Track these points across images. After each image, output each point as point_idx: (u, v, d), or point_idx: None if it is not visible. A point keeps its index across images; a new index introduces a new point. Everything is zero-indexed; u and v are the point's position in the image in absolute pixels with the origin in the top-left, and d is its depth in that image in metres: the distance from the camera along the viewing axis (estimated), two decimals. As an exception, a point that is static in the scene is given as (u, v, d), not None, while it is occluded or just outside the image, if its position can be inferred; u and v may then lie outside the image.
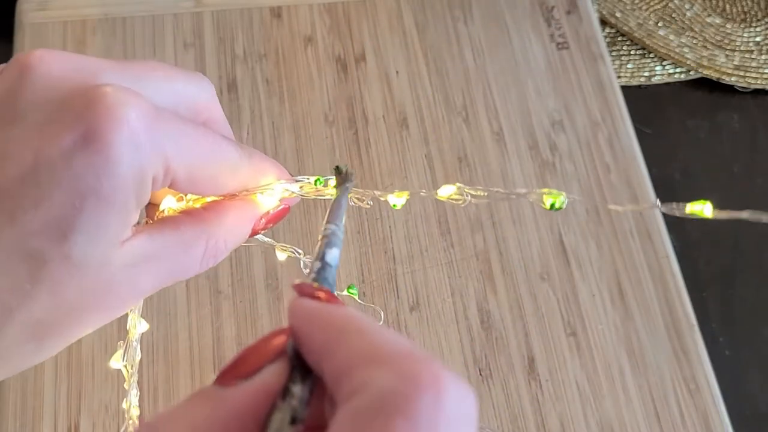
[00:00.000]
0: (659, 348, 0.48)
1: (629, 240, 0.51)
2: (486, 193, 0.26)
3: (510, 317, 0.48)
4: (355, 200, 0.28)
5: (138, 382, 0.45)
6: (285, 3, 0.59)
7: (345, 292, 0.32)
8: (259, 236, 0.30)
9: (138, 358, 0.30)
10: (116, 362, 0.29)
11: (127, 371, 0.29)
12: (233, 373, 0.19)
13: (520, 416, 0.46)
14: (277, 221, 0.29)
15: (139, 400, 0.45)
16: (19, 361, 0.23)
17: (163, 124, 0.23)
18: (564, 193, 0.26)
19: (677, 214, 0.24)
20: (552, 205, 0.26)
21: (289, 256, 0.30)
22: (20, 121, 0.22)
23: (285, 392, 0.19)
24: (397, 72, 0.57)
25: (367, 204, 0.28)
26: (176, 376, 0.45)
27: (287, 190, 0.28)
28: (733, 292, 0.55)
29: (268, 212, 0.28)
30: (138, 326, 0.30)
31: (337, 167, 0.26)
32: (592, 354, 0.48)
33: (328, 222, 0.24)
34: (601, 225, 0.52)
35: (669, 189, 0.57)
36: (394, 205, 0.28)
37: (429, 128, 0.55)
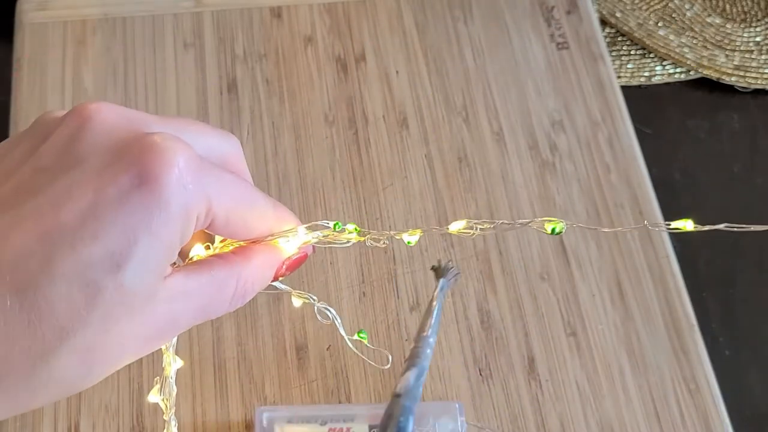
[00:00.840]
0: (659, 348, 0.48)
1: (629, 240, 0.51)
2: (493, 225, 0.27)
3: (510, 317, 0.48)
4: (372, 241, 0.29)
5: (137, 382, 0.45)
6: (285, 3, 0.59)
7: (355, 336, 0.33)
8: (276, 283, 0.32)
9: (174, 392, 0.31)
10: (154, 396, 0.31)
11: (166, 404, 0.30)
12: None
13: (520, 416, 0.46)
14: (296, 268, 0.31)
15: (140, 400, 0.45)
16: (69, 385, 0.25)
17: (206, 170, 0.26)
18: (563, 221, 0.27)
19: (664, 230, 0.25)
20: (553, 230, 0.27)
21: (305, 302, 0.31)
22: (81, 165, 0.24)
23: None
24: (397, 72, 0.57)
25: (384, 244, 0.29)
26: (176, 376, 0.45)
27: (309, 233, 0.29)
28: (733, 292, 0.55)
29: (289, 258, 0.30)
30: (173, 364, 0.31)
31: (436, 267, 0.26)
32: (592, 354, 0.48)
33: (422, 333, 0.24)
34: (601, 225, 0.52)
35: (669, 189, 0.57)
36: (408, 242, 0.30)
37: (429, 128, 0.55)
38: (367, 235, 0.29)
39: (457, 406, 0.43)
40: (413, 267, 0.50)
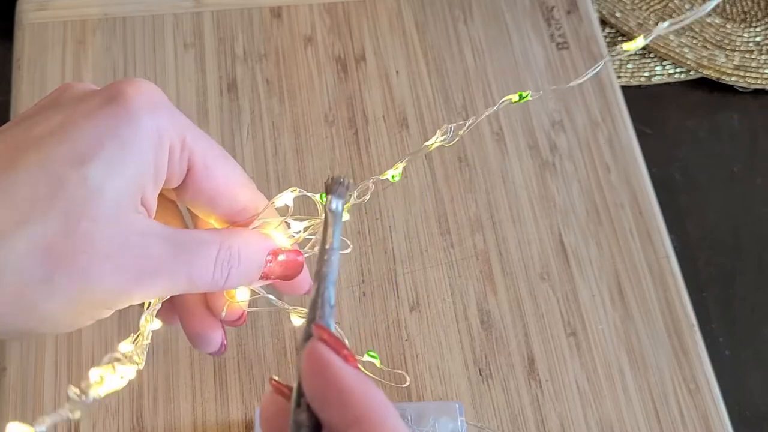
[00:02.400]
0: (659, 348, 0.48)
1: (629, 240, 0.51)
2: (467, 123, 0.27)
3: (510, 317, 0.48)
4: (358, 197, 0.29)
5: (138, 383, 0.45)
6: (285, 3, 0.59)
7: (366, 357, 0.32)
8: (273, 299, 0.31)
9: (146, 350, 0.29)
10: (125, 345, 0.29)
11: (137, 357, 0.29)
12: None
13: (520, 416, 0.46)
14: (291, 272, 0.30)
15: (140, 400, 0.45)
16: (30, 292, 0.23)
17: (183, 117, 0.27)
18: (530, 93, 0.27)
19: (621, 56, 0.26)
20: (520, 96, 0.27)
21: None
22: (68, 104, 0.25)
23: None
24: (397, 72, 0.57)
25: (369, 193, 0.29)
26: (176, 376, 0.45)
27: (288, 224, 0.29)
28: (733, 292, 0.55)
29: (280, 250, 0.29)
30: (151, 323, 0.29)
31: (327, 182, 0.26)
32: (592, 354, 0.48)
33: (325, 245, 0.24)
34: (601, 225, 0.52)
35: (669, 189, 0.57)
36: (393, 177, 0.28)
37: (429, 128, 0.55)
38: (355, 191, 0.28)
39: (457, 406, 0.43)
40: (413, 267, 0.50)
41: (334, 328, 0.23)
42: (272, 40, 0.57)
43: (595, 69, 0.27)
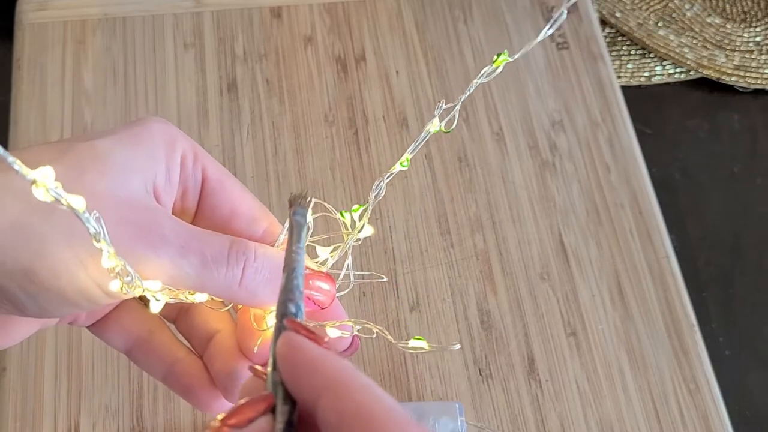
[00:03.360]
0: (659, 348, 0.48)
1: (629, 240, 0.51)
2: (457, 102, 0.28)
3: (510, 317, 0.48)
4: (373, 198, 0.29)
5: (137, 382, 0.45)
6: (285, 3, 0.59)
7: (412, 342, 0.30)
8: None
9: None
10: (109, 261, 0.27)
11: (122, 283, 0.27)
12: (229, 423, 0.21)
13: (520, 416, 0.46)
14: (322, 294, 0.28)
15: (140, 400, 0.45)
16: (34, 221, 0.23)
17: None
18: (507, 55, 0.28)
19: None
20: (497, 57, 0.28)
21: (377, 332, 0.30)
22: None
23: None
24: (397, 72, 0.57)
25: (381, 195, 0.29)
26: (176, 376, 0.45)
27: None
28: (733, 292, 0.55)
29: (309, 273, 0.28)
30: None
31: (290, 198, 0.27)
32: (592, 354, 0.48)
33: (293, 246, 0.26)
34: (601, 225, 0.52)
35: (669, 189, 0.57)
36: (402, 164, 0.28)
37: (429, 128, 0.55)
38: (368, 202, 0.29)
39: (457, 406, 0.43)
40: (413, 267, 0.50)
41: (302, 310, 0.24)
42: (272, 40, 0.57)
43: (554, 23, 0.27)
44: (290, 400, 0.21)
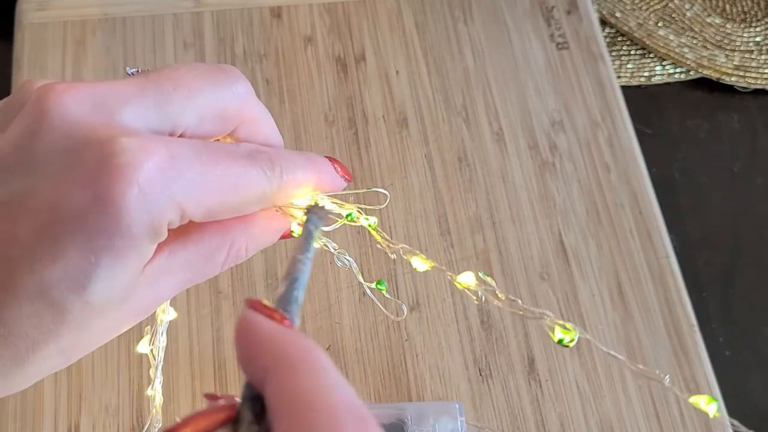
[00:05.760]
0: (659, 348, 0.48)
1: (629, 240, 0.51)
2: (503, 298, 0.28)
3: (510, 317, 0.48)
4: (384, 244, 0.29)
5: (137, 382, 0.45)
6: (285, 3, 0.59)
7: (373, 285, 0.32)
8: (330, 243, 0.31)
9: (164, 344, 0.30)
10: (143, 346, 0.30)
11: (153, 355, 0.30)
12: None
13: (520, 416, 0.46)
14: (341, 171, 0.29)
15: (140, 400, 0.45)
16: (47, 370, 0.24)
17: (176, 172, 0.23)
18: (578, 330, 0.27)
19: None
20: (560, 341, 0.27)
21: (323, 248, 0.30)
22: (36, 172, 0.23)
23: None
24: (397, 72, 0.57)
25: (392, 255, 0.29)
26: (176, 376, 0.45)
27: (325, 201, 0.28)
28: (733, 292, 0.55)
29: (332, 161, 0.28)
30: (167, 313, 0.30)
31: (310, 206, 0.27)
32: (592, 354, 0.48)
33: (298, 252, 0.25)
34: (601, 225, 0.52)
35: (669, 189, 0.57)
36: (415, 269, 0.30)
37: (429, 128, 0.55)
38: (383, 241, 0.29)
39: (457, 406, 0.43)
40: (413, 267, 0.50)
41: (298, 324, 0.23)
42: (272, 40, 0.57)
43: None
44: (259, 399, 0.20)
